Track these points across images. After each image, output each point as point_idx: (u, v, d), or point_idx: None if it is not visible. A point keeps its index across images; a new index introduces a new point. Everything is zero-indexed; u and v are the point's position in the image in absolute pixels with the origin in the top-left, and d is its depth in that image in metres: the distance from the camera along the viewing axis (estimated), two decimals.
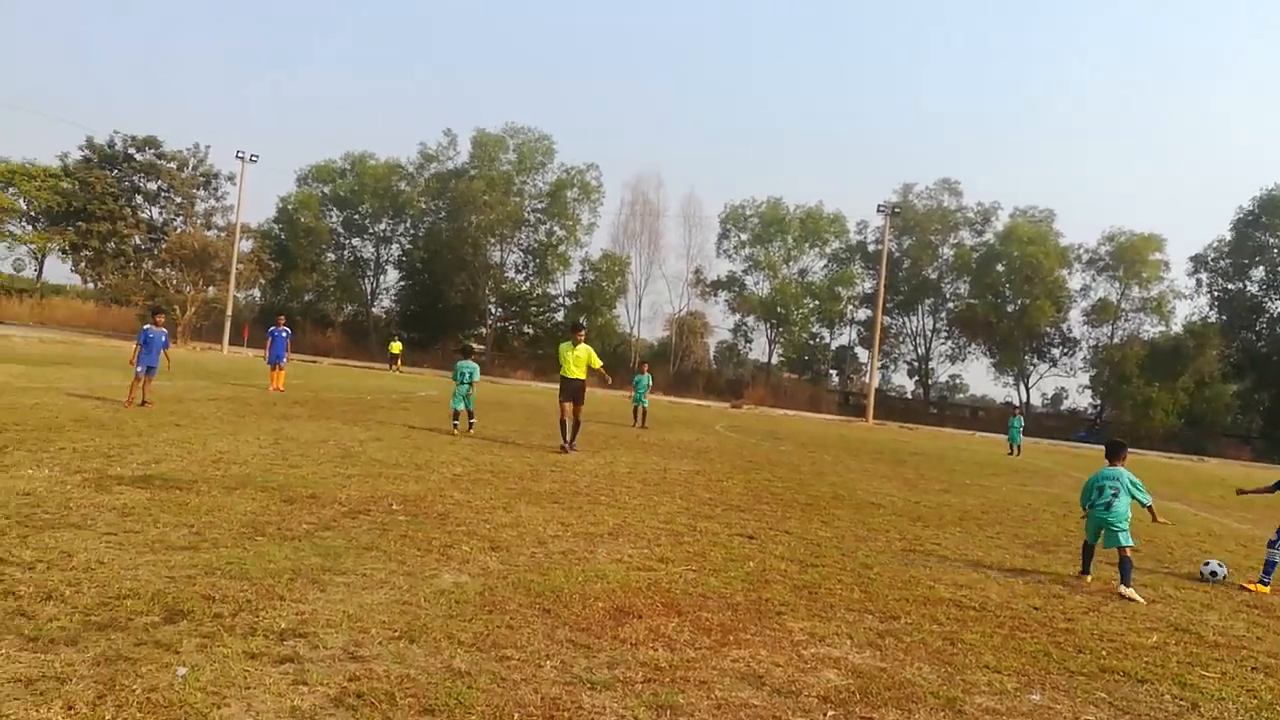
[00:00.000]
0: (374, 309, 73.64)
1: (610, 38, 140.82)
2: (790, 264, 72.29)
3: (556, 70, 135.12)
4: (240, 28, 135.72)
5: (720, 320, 74.81)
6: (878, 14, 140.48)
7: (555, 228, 68.75)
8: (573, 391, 15.48)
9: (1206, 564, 9.48)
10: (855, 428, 44.68)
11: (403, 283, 72.55)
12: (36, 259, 66.40)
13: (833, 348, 77.08)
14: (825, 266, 73.16)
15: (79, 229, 59.92)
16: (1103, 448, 9.44)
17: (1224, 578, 9.20)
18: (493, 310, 70.41)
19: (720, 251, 71.61)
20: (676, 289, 72.12)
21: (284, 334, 23.47)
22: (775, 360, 74.20)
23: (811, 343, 75.24)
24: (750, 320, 73.02)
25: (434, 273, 67.79)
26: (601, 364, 16.12)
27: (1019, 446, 31.62)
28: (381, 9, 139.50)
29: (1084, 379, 71.73)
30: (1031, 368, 71.66)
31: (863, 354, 75.39)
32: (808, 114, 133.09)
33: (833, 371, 79.72)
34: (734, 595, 6.54)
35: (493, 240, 67.79)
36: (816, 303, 71.09)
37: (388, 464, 11.34)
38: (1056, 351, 70.88)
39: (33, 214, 63.10)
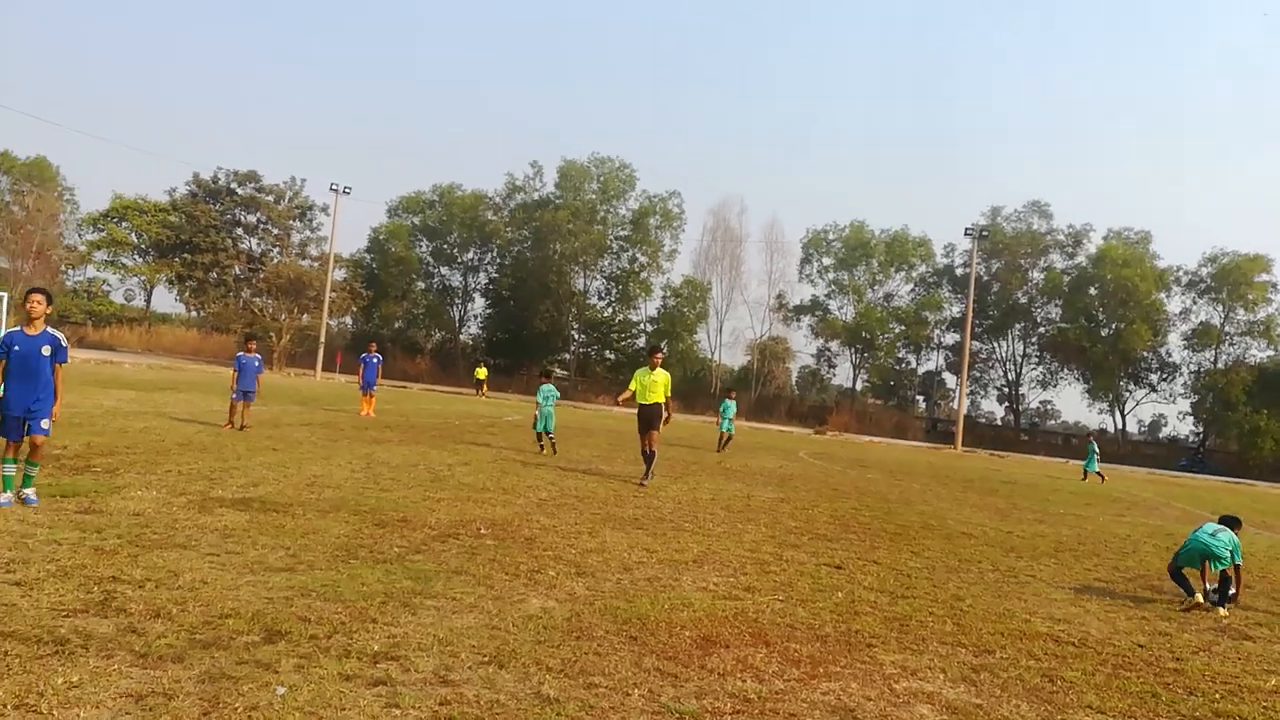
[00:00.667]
0: (462, 336, 75.17)
1: (692, 68, 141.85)
2: (875, 288, 71.40)
3: (639, 100, 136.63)
4: (334, 64, 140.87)
5: (803, 345, 74.23)
6: (963, 41, 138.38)
7: (638, 254, 69.31)
8: (649, 418, 14.42)
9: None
10: (943, 455, 43.66)
11: (489, 310, 73.95)
12: (146, 289, 69.69)
13: (919, 373, 75.66)
14: (911, 291, 72.04)
15: (184, 260, 62.64)
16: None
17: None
18: (576, 336, 71.16)
19: (803, 276, 71.21)
20: (758, 314, 71.90)
21: (375, 360, 24.11)
22: (860, 386, 73.16)
23: (897, 368, 73.97)
24: (834, 345, 72.23)
25: (519, 300, 68.89)
26: (670, 396, 14.74)
27: (1097, 473, 30.32)
28: (467, 47, 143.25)
29: (1184, 405, 68.84)
30: (1127, 394, 69.12)
31: (950, 380, 73.86)
32: (892, 136, 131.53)
33: (919, 397, 78.19)
34: (823, 626, 6.43)
35: (576, 268, 68.63)
36: (902, 327, 69.91)
37: (475, 488, 11.51)
38: (1154, 377, 68.21)
39: (143, 247, 66.29)
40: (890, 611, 7.13)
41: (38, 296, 7.91)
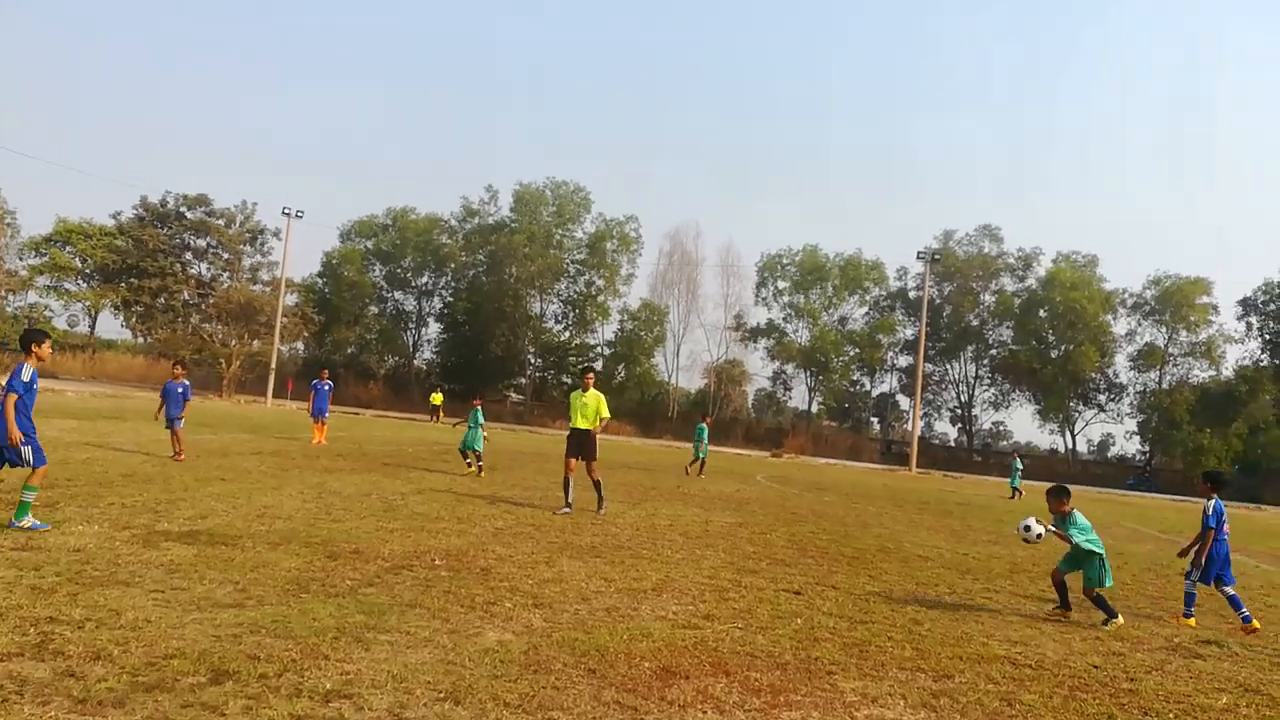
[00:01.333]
0: (416, 361, 74.45)
1: (651, 93, 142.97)
2: (830, 311, 72.14)
3: (594, 123, 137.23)
4: (288, 87, 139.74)
5: (759, 368, 74.65)
6: (910, 59, 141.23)
7: (595, 278, 69.41)
8: (580, 444, 13.58)
9: (1024, 523, 9.36)
10: (898, 477, 44.05)
11: (444, 335, 73.45)
12: (90, 315, 68.07)
13: (874, 395, 76.44)
14: (866, 314, 72.92)
15: (131, 285, 61.42)
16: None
17: (1039, 536, 9.23)
18: (532, 360, 70.88)
19: (759, 299, 71.73)
20: (715, 337, 72.24)
21: (326, 387, 23.75)
22: (815, 408, 73.66)
23: (852, 390, 74.71)
24: (790, 368, 72.74)
25: (475, 325, 68.52)
26: (608, 417, 14.02)
27: (1018, 490, 30.86)
28: (417, 65, 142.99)
29: (1131, 425, 70.31)
30: (1077, 414, 70.40)
31: (904, 401, 74.70)
32: (847, 160, 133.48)
33: (874, 419, 78.95)
34: (783, 654, 6.39)
35: (532, 292, 68.49)
36: (857, 350, 70.68)
37: (430, 517, 11.34)
38: (1102, 397, 69.60)
39: (87, 271, 64.84)
40: (849, 637, 7.12)
41: None
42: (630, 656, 5.92)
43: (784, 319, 71.77)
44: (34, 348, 8.72)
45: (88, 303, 65.77)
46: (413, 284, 73.26)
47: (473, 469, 18.32)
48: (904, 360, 72.35)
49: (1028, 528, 9.21)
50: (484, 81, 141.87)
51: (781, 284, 71.39)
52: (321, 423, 23.17)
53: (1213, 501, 9.47)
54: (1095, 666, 6.95)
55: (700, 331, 72.34)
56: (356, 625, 5.99)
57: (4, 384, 8.48)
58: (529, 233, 65.89)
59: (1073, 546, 8.93)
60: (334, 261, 70.44)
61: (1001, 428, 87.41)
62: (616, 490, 17.85)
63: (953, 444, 77.89)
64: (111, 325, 68.84)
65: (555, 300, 70.95)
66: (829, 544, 12.95)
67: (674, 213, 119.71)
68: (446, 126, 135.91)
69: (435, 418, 48.95)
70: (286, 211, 55.73)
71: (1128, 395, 68.89)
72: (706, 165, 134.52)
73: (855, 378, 74.05)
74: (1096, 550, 8.85)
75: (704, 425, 26.41)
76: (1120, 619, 8.68)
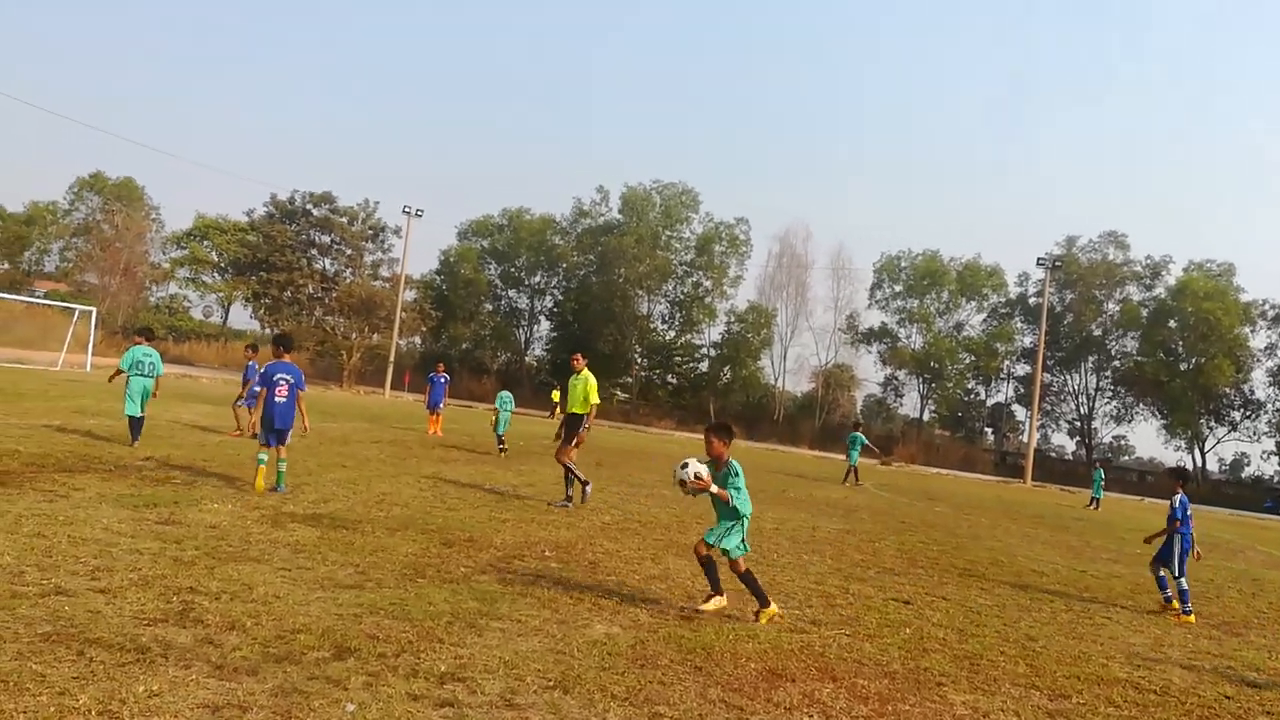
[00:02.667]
0: (527, 358, 75.85)
1: (760, 97, 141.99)
2: (946, 317, 70.29)
3: (707, 123, 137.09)
4: (410, 92, 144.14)
5: (869, 374, 73.28)
6: (1039, 61, 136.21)
7: (702, 279, 69.37)
8: (568, 428, 12.83)
9: (683, 463, 7.26)
10: (1012, 489, 42.61)
11: (554, 333, 74.59)
12: (223, 306, 71.87)
13: (989, 405, 74.10)
14: (983, 321, 70.76)
15: (260, 278, 64.47)
16: None
17: (687, 481, 7.14)
18: (639, 360, 71.29)
19: (872, 302, 70.37)
20: (823, 341, 71.17)
21: (443, 380, 24.44)
22: (927, 416, 71.89)
23: (966, 399, 72.58)
24: (902, 374, 71.18)
25: (584, 323, 69.35)
26: (598, 400, 13.10)
27: (1097, 501, 29.97)
28: (533, 71, 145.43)
29: (1269, 445, 66.17)
30: (1207, 431, 66.68)
31: (1020, 412, 72.15)
32: (966, 163, 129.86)
33: (988, 430, 76.52)
34: (890, 663, 6.30)
35: (640, 292, 68.89)
36: (972, 358, 68.66)
37: (539, 509, 11.57)
38: (1236, 414, 65.75)
39: (222, 265, 68.46)
40: (960, 650, 6.96)
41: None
42: (736, 656, 5.93)
43: (897, 323, 70.33)
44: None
45: (221, 294, 69.44)
46: (526, 282, 74.69)
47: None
48: (1021, 369, 69.95)
49: (685, 465, 7.19)
50: (592, 82, 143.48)
51: (896, 287, 69.96)
52: (437, 414, 23.85)
53: (1178, 496, 10.19)
54: (1227, 697, 6.61)
55: (809, 335, 71.43)
56: (470, 611, 6.17)
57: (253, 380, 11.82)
58: (637, 234, 66.32)
59: (721, 506, 7.22)
60: (451, 259, 72.42)
61: (1123, 442, 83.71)
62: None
63: (1070, 457, 74.83)
64: (241, 316, 72.49)
65: (662, 300, 71.23)
66: (939, 555, 12.66)
67: (785, 214, 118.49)
68: (559, 126, 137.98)
69: (554, 414, 49.72)
70: (407, 210, 57.52)
71: (1265, 413, 64.93)
72: (816, 166, 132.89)
73: (970, 386, 71.93)
74: (744, 513, 7.21)
75: (858, 434, 26.43)
76: (775, 608, 7.12)
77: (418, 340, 71.97)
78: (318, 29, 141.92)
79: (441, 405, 24.09)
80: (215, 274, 69.11)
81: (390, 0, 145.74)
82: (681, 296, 70.31)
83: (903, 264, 69.65)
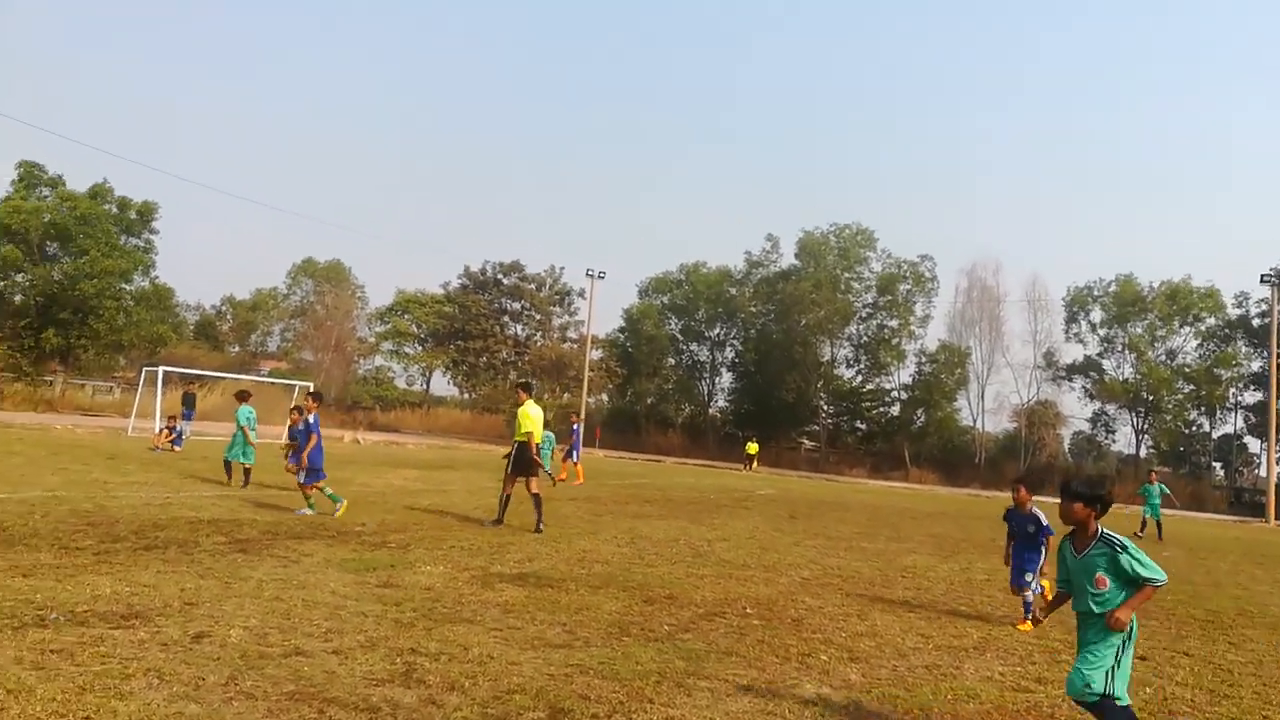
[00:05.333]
0: (710, 409, 76.09)
1: (928, 132, 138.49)
2: (1156, 345, 65.23)
3: (885, 163, 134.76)
4: (586, 159, 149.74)
5: (1075, 409, 68.74)
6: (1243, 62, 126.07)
7: (887, 320, 67.61)
8: (517, 459, 13.48)
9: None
10: (1253, 530, 38.62)
11: (736, 384, 74.55)
12: (425, 374, 76.31)
13: (1215, 437, 67.83)
14: (1200, 346, 65.12)
15: (458, 347, 68.11)
16: None
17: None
18: (824, 407, 70.00)
19: (1069, 335, 66.28)
20: (1023, 377, 67.42)
21: (578, 429, 25.41)
22: (1144, 452, 66.57)
23: (1188, 432, 66.75)
24: (1111, 409, 66.39)
25: (765, 373, 68.93)
26: (530, 432, 13.50)
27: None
28: (705, 134, 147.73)
29: None
30: None
31: (1255, 444, 65.62)
32: (1167, 178, 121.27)
33: (1216, 464, 69.96)
34: None
35: (822, 337, 67.88)
36: (1192, 387, 63.23)
37: (736, 565, 11.47)
38: None
39: (422, 336, 72.85)
40: (1213, 713, 6.32)
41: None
42: (956, 717, 5.62)
43: (1100, 354, 65.84)
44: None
45: (423, 364, 73.78)
46: (706, 335, 75.22)
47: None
48: (1251, 396, 63.72)
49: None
50: (738, 136, 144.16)
51: (1095, 316, 65.67)
52: (575, 463, 24.55)
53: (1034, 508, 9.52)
54: None
55: (1007, 371, 67.92)
56: (677, 671, 6.15)
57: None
58: (814, 279, 65.55)
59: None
60: (634, 316, 74.03)
61: None
62: (924, 542, 17.13)
63: None
64: (441, 383, 76.62)
65: (846, 344, 69.83)
66: (1175, 604, 11.59)
67: (971, 247, 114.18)
68: (724, 179, 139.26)
69: (749, 466, 49.55)
70: (590, 273, 59.49)
71: None
72: (1005, 195, 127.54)
73: (1191, 417, 66.13)
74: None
75: (1150, 485, 23.56)
76: None
77: (605, 397, 73.66)
78: (492, 116, 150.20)
79: (578, 455, 24.72)
80: (416, 345, 73.56)
81: (553, 81, 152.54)
82: (866, 339, 68.71)
83: (1096, 293, 65.41)
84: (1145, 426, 65.47)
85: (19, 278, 45.34)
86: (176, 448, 23.52)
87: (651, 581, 9.59)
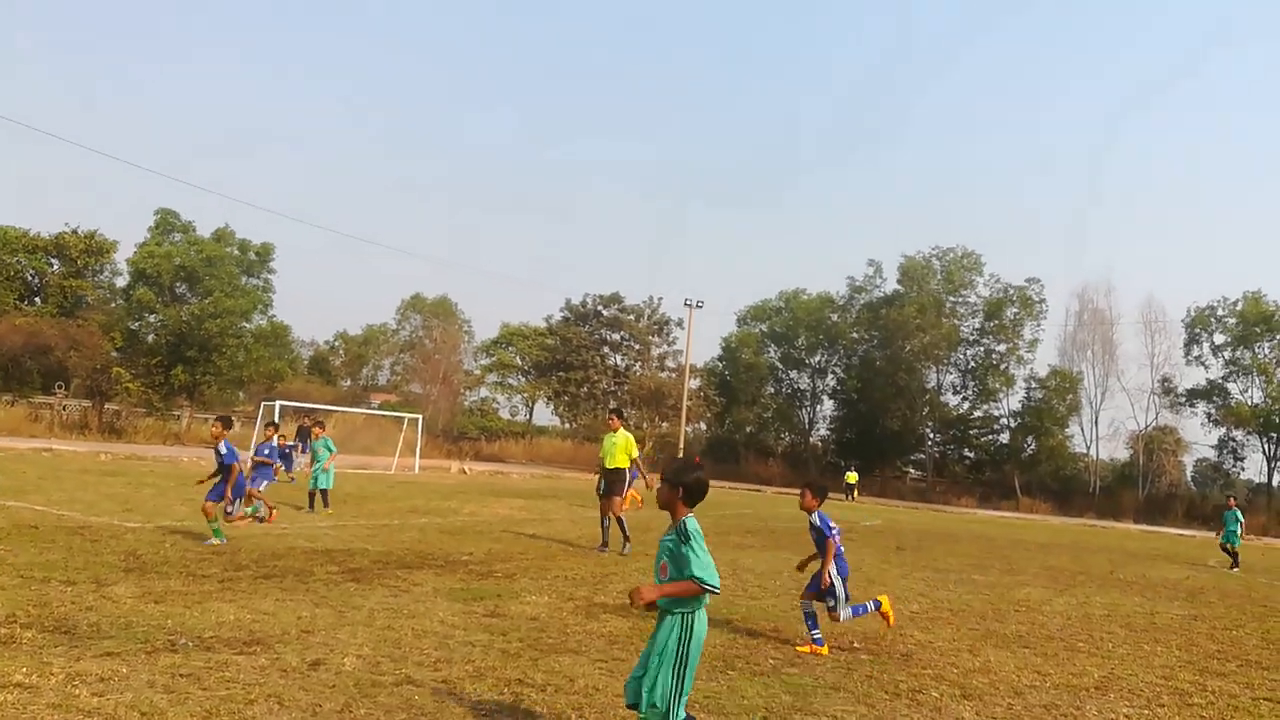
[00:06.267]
0: (812, 438, 75.04)
1: (1037, 149, 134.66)
2: None
3: (984, 184, 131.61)
4: (680, 189, 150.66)
5: (1200, 436, 65.29)
6: None
7: (994, 345, 65.65)
8: (609, 483, 14.44)
9: None
10: None
11: (838, 411, 73.37)
12: (528, 405, 77.57)
13: None
14: None
15: (560, 378, 69.03)
16: None
17: None
18: (930, 435, 68.25)
19: (1190, 359, 63.06)
20: (1140, 402, 64.42)
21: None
22: (1277, 481, 62.71)
23: None
24: (1239, 434, 62.84)
25: (868, 400, 67.70)
26: (638, 455, 14.82)
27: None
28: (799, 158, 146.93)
29: None
30: None
31: None
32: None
33: None
34: None
35: (927, 364, 66.35)
36: None
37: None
38: None
39: (525, 368, 74.20)
40: None
41: None
42: None
43: (1225, 378, 62.44)
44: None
45: (526, 395, 75.04)
46: (806, 363, 74.37)
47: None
48: None
49: None
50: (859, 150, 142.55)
51: (1219, 339, 62.37)
52: (632, 489, 24.72)
53: (816, 514, 8.59)
54: None
55: (1122, 396, 65.04)
56: (783, 706, 6.07)
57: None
58: (918, 304, 64.21)
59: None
60: (732, 345, 73.80)
61: None
62: (1038, 574, 16.51)
63: None
64: (543, 413, 77.74)
65: (953, 371, 68.05)
66: None
67: (1081, 268, 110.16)
68: (824, 204, 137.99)
69: (850, 496, 48.69)
70: (688, 302, 59.63)
71: None
72: (1109, 213, 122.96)
73: None
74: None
75: (1231, 510, 22.68)
76: None
77: (703, 426, 73.44)
78: (593, 150, 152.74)
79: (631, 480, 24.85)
80: (520, 376, 74.91)
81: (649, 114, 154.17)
82: (973, 365, 66.84)
83: (1220, 313, 62.15)
84: (1278, 454, 61.75)
85: (151, 318, 48.02)
86: (287, 471, 24.04)
87: (755, 614, 9.50)
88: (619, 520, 14.29)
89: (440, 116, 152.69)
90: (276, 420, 19.06)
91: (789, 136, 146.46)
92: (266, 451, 15.92)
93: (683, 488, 4.57)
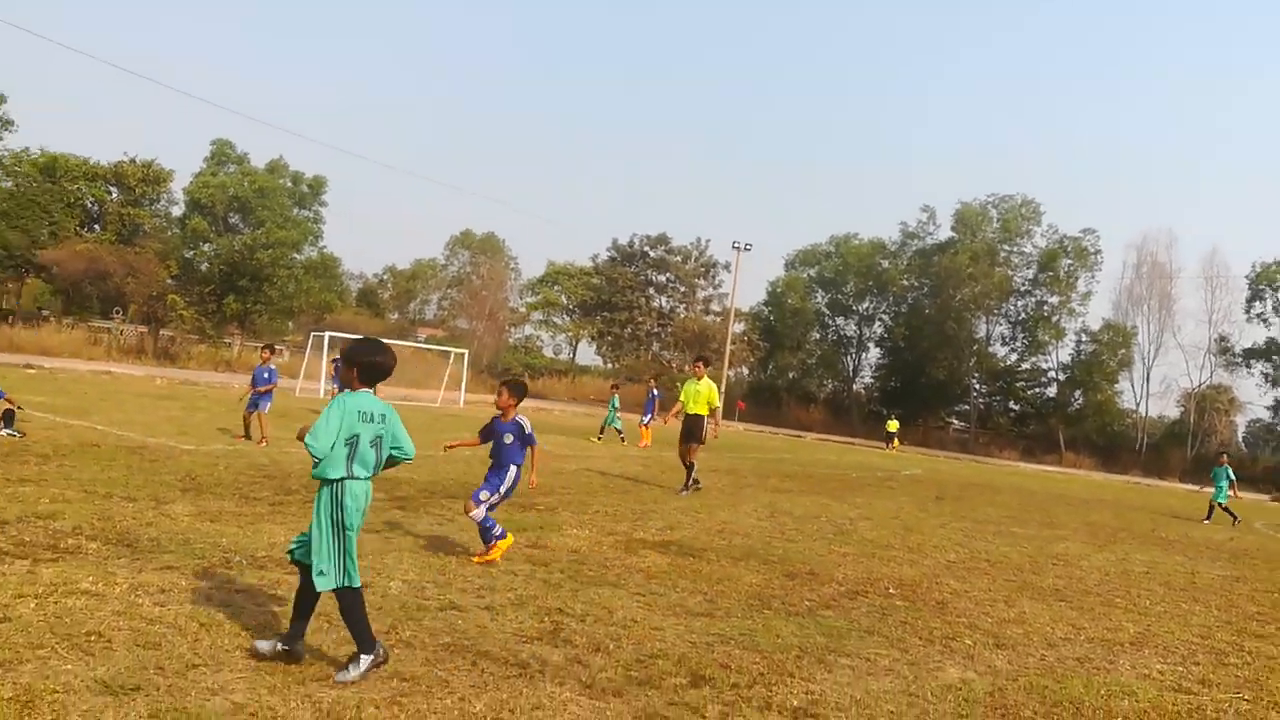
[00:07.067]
0: (855, 386, 74.67)
1: (1104, 92, 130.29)
2: None
3: (1047, 129, 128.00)
4: (733, 127, 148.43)
5: (1255, 396, 63.80)
6: None
7: (1047, 296, 64.39)
8: (691, 428, 14.62)
9: None
10: None
11: (884, 360, 72.77)
12: (572, 344, 78.04)
13: None
14: None
15: (604, 318, 69.24)
16: None
17: None
18: (976, 386, 67.52)
19: (1251, 316, 61.36)
20: (1195, 360, 63.05)
21: (655, 395, 26.62)
22: None
23: None
24: None
25: (915, 349, 66.98)
26: (718, 405, 15.02)
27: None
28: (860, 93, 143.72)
29: None
30: None
31: None
32: None
33: None
34: None
35: (978, 314, 65.35)
36: None
37: (879, 544, 11.32)
38: None
39: (570, 307, 74.47)
40: None
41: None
42: (1110, 714, 5.43)
43: None
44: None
45: (570, 334, 75.40)
46: (854, 309, 73.64)
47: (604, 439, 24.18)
48: None
49: None
50: (908, 92, 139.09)
51: None
52: (646, 427, 25.46)
53: (515, 417, 8.13)
54: None
55: (1177, 353, 63.70)
56: (818, 646, 6.18)
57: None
58: (971, 251, 63.01)
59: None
60: (779, 290, 73.20)
61: None
62: (1078, 530, 16.43)
63: None
64: (586, 353, 78.20)
65: (1002, 321, 66.98)
66: None
67: (1142, 218, 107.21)
68: (874, 144, 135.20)
69: (890, 444, 48.50)
70: (736, 245, 59.09)
71: None
72: (1174, 161, 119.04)
73: None
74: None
75: (1222, 467, 22.74)
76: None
77: (745, 370, 73.35)
78: (646, 92, 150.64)
79: (649, 418, 25.50)
80: (565, 315, 75.27)
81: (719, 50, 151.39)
82: (1024, 316, 65.71)
83: None
84: None
85: (205, 247, 48.89)
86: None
87: (792, 556, 9.60)
88: (690, 465, 14.57)
89: (493, 56, 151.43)
90: (273, 345, 18.93)
91: (841, 79, 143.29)
92: (266, 375, 15.77)
93: (358, 367, 4.82)
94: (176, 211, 53.74)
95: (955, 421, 70.09)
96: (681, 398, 15.13)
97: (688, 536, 10.18)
